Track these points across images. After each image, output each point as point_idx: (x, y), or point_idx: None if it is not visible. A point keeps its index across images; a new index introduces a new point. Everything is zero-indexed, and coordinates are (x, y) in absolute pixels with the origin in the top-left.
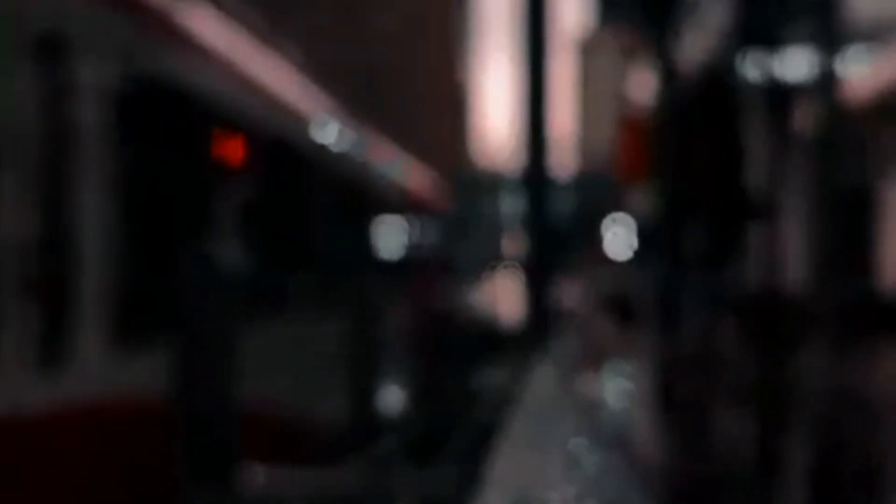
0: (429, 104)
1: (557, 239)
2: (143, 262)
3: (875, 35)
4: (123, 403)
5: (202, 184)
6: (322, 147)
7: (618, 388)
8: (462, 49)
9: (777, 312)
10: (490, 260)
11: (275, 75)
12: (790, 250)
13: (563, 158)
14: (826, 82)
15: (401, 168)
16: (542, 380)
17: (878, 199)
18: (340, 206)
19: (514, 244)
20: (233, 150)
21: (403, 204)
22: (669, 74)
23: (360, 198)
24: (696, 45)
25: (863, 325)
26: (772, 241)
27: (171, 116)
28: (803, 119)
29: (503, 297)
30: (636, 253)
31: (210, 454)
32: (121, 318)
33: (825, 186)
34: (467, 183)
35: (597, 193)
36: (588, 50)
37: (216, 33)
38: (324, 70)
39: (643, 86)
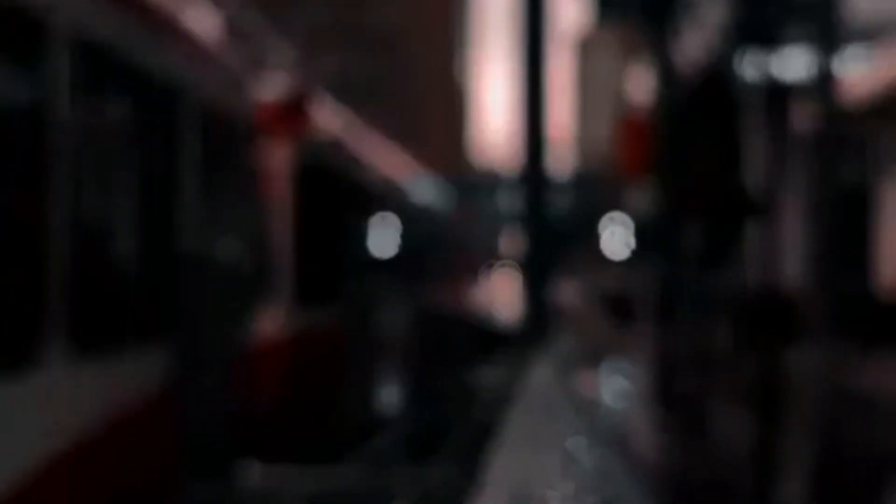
0: (427, 103)
1: (555, 238)
2: (143, 261)
3: (873, 35)
4: (123, 401)
5: (199, 182)
6: (320, 146)
7: (616, 386)
8: (461, 48)
9: (775, 311)
10: (488, 259)
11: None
12: (788, 249)
13: (562, 157)
14: (824, 82)
15: (391, 160)
16: (540, 378)
17: (876, 199)
18: (339, 203)
19: (512, 243)
20: (230, 147)
21: (401, 201)
22: (668, 73)
23: (359, 196)
24: (694, 44)
25: (861, 324)
26: (770, 241)
27: (166, 114)
28: (801, 119)
29: (502, 295)
30: (634, 252)
31: (210, 451)
32: (118, 316)
33: (823, 186)
34: (466, 182)
35: (595, 192)
36: (586, 49)
37: (214, 32)
38: (322, 69)
39: (641, 85)
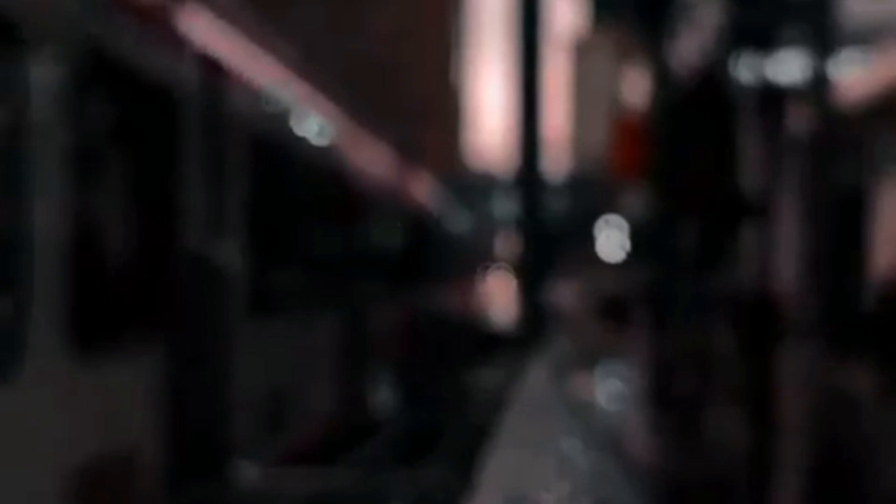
0: (423, 105)
1: (551, 240)
2: (139, 259)
3: (869, 38)
4: (117, 402)
5: (194, 181)
6: (315, 145)
7: (611, 388)
8: (457, 50)
9: (769, 314)
10: (484, 261)
11: (268, 74)
12: (783, 253)
13: (557, 160)
14: (820, 85)
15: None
16: (535, 380)
17: (872, 202)
18: (333, 204)
19: (508, 245)
20: (227, 148)
21: (396, 203)
22: (663, 76)
23: (353, 197)
24: (689, 46)
25: (856, 326)
26: (765, 244)
27: (160, 111)
28: (797, 121)
29: (497, 298)
30: (629, 254)
31: (204, 452)
32: (115, 315)
33: (818, 189)
34: (461, 184)
35: (590, 195)
36: (582, 51)
37: (207, 31)
38: (318, 69)
39: (637, 87)
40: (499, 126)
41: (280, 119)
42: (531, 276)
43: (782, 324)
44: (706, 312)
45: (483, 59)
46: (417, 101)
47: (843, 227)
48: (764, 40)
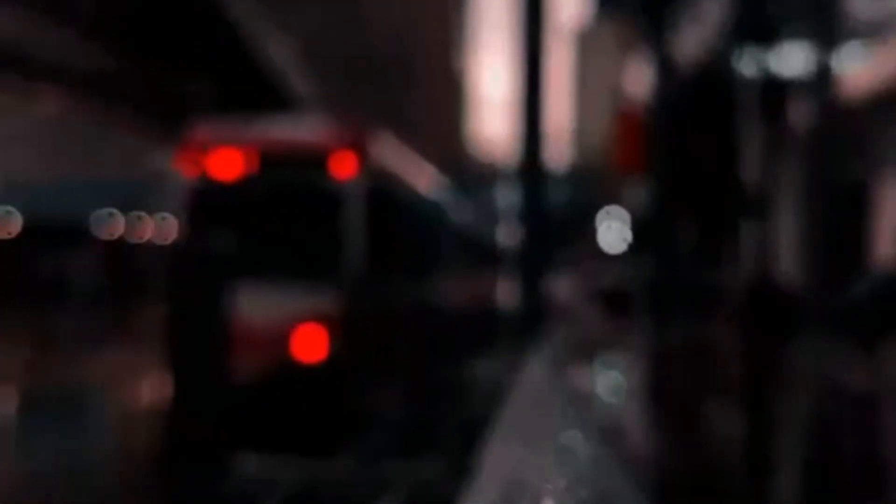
0: (426, 96)
1: (552, 231)
2: (132, 253)
3: (871, 32)
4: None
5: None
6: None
7: (610, 380)
8: (460, 41)
9: (770, 306)
10: (485, 252)
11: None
12: (784, 245)
13: (559, 151)
14: (822, 79)
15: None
16: (534, 371)
17: (873, 195)
18: (326, 195)
19: (509, 236)
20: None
21: (393, 190)
22: (666, 69)
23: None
24: (692, 39)
25: (855, 319)
26: (765, 236)
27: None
28: (799, 115)
29: (497, 288)
30: (630, 246)
31: (204, 441)
32: (112, 306)
33: (820, 182)
34: (464, 175)
35: (592, 186)
36: (585, 43)
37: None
38: (322, 60)
39: (640, 80)
40: (501, 117)
41: None
42: (532, 266)
43: (783, 315)
44: (706, 305)
45: (486, 49)
46: (420, 91)
47: (844, 220)
48: (767, 34)
